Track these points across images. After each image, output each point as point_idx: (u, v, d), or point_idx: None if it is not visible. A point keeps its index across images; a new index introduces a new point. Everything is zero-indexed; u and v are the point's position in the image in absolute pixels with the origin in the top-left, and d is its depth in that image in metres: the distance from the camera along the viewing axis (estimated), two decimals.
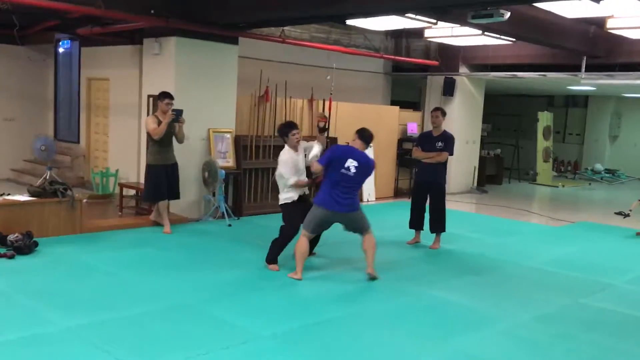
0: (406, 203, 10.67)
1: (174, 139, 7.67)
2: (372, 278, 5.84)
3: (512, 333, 4.65)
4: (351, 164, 5.72)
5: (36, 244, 6.32)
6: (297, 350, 4.13)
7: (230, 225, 8.17)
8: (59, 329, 4.26)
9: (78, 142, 11.14)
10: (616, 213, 11.03)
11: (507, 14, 6.59)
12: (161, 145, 7.52)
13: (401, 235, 7.86)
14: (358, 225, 5.90)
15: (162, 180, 7.55)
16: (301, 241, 5.82)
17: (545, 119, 16.13)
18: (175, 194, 7.77)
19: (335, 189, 5.69)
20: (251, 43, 9.40)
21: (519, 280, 6.23)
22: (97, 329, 4.28)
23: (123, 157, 9.87)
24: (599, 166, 17.59)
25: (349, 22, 8.18)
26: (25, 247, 6.17)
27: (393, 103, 13.19)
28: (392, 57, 11.95)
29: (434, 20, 8.62)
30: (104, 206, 9.12)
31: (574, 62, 10.90)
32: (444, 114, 7.53)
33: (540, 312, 5.18)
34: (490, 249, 7.63)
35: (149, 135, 7.51)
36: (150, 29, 8.43)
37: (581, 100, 18.88)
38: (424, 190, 7.56)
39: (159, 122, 7.41)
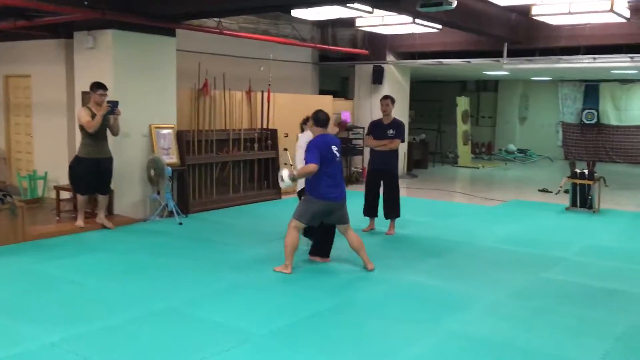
0: (349, 191, 10.83)
1: (108, 132, 7.40)
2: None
3: (495, 311, 4.85)
4: (335, 149, 5.72)
5: None
6: (298, 344, 4.10)
7: (181, 223, 7.94)
8: (42, 344, 3.99)
9: None
10: (540, 190, 11.71)
11: (455, 3, 6.81)
12: (95, 138, 7.22)
13: (354, 223, 7.91)
14: (345, 215, 5.90)
15: (91, 174, 7.26)
16: (293, 234, 5.73)
17: (463, 103, 16.78)
18: (104, 189, 7.49)
19: (332, 179, 5.67)
20: (187, 35, 9.12)
21: (479, 259, 6.48)
22: (84, 341, 4.05)
23: (51, 158, 9.31)
24: (512, 147, 18.55)
25: (294, 13, 8.11)
26: None
27: (320, 93, 13.26)
28: (324, 46, 11.99)
29: (370, 9, 8.76)
30: (35, 211, 8.56)
31: (496, 48, 11.41)
32: (393, 101, 7.66)
33: (512, 289, 5.42)
34: (442, 231, 7.88)
35: (82, 128, 7.18)
36: (82, 22, 7.97)
37: (492, 85, 19.78)
38: (377, 178, 7.67)
39: (93, 115, 7.10)
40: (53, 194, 9.01)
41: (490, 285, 5.51)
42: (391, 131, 7.52)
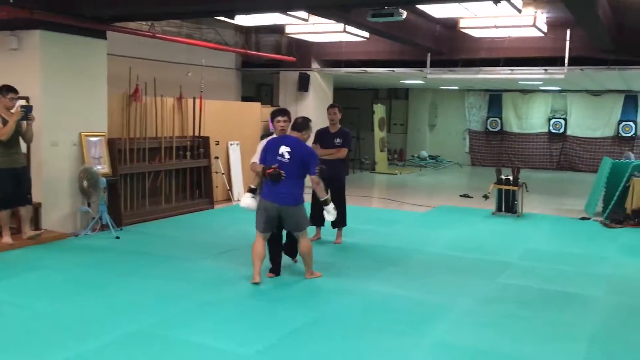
0: None
1: (21, 140, 6.90)
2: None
3: (468, 319, 4.94)
4: (284, 150, 5.61)
5: None
6: None
7: (118, 237, 7.48)
8: None
9: None
10: (461, 196, 12.18)
11: (405, 14, 6.91)
12: (7, 146, 6.68)
13: None
14: (292, 222, 5.75)
15: (9, 185, 6.71)
16: (257, 243, 5.65)
17: (379, 111, 17.14)
18: (26, 200, 6.96)
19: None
20: (117, 39, 8.65)
21: (434, 266, 6.60)
22: None
23: None
24: (424, 153, 19.18)
25: (237, 18, 7.92)
26: None
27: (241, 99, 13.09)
28: (255, 52, 11.87)
29: (306, 17, 8.75)
30: None
31: (419, 58, 11.76)
32: (340, 110, 7.67)
33: (476, 295, 5.55)
34: (386, 238, 7.97)
35: None
36: (4, 22, 7.32)
37: (402, 93, 20.37)
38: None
39: (4, 121, 6.57)
40: None
41: (455, 292, 5.61)
42: (338, 140, 7.50)
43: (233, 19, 8.14)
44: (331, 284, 5.77)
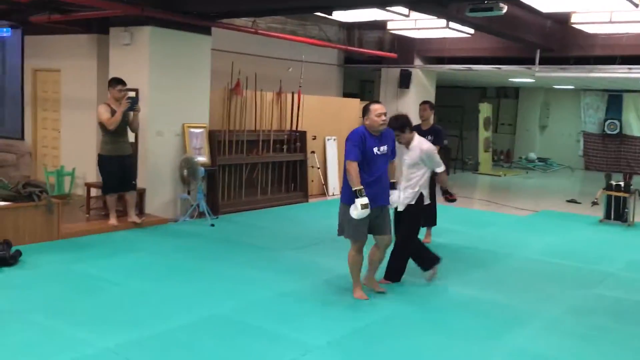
0: None
1: (128, 129, 7.31)
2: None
3: (554, 328, 4.69)
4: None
5: (20, 253, 5.73)
6: (358, 357, 3.96)
7: (212, 225, 7.80)
8: (98, 350, 3.85)
9: (22, 138, 10.27)
10: (568, 201, 11.54)
11: (505, 8, 6.66)
12: (115, 135, 7.10)
13: None
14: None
15: (114, 172, 7.15)
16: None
17: (485, 110, 16.62)
18: (130, 186, 7.37)
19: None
20: (220, 34, 8.99)
21: (525, 272, 6.33)
22: (140, 348, 3.91)
23: (79, 154, 9.19)
24: (532, 155, 18.36)
25: (335, 14, 7.98)
26: (11, 257, 5.57)
27: (343, 95, 13.13)
28: (356, 49, 11.84)
29: (407, 12, 8.61)
30: (62, 208, 8.42)
31: (526, 55, 11.26)
32: (432, 107, 7.52)
33: (567, 304, 5.26)
34: (478, 241, 7.73)
35: (101, 125, 7.06)
36: (119, 18, 7.85)
37: (512, 92, 19.61)
38: None
39: (112, 111, 6.97)
40: (79, 191, 8.92)
41: (544, 300, 5.35)
42: (430, 137, 7.34)
43: (331, 14, 8.18)
44: (411, 282, 5.68)
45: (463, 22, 8.30)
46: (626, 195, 9.18)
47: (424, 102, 7.61)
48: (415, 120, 7.70)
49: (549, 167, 17.89)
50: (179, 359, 3.82)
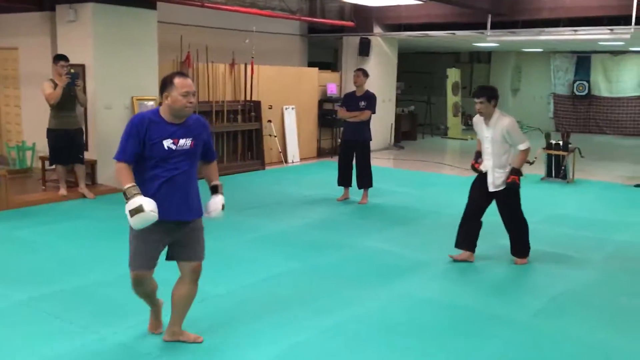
0: (330, 162, 11.08)
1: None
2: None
3: (445, 275, 5.12)
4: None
5: None
6: (251, 305, 4.39)
7: None
8: (11, 302, 4.28)
9: None
10: None
11: None
12: (60, 109, 7.44)
13: (330, 193, 8.21)
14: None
15: (61, 144, 7.50)
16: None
17: (453, 75, 16.87)
18: (78, 159, 7.72)
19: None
20: (169, 7, 9.27)
21: (441, 227, 6.73)
22: (52, 300, 4.34)
23: (39, 129, 9.48)
24: None
25: None
26: None
27: (310, 65, 13.37)
28: (310, 19, 12.08)
29: None
30: (23, 181, 8.85)
31: (480, 20, 11.51)
32: (365, 74, 7.84)
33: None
34: (413, 200, 8.12)
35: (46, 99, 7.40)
36: None
37: (485, 56, 19.81)
38: (350, 148, 7.89)
39: (56, 86, 7.31)
40: (41, 164, 9.30)
41: (446, 251, 5.75)
42: (363, 103, 7.71)
43: None
44: (328, 239, 6.09)
45: None
46: (564, 153, 9.54)
47: (358, 69, 7.94)
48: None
49: None
50: (83, 305, 4.25)
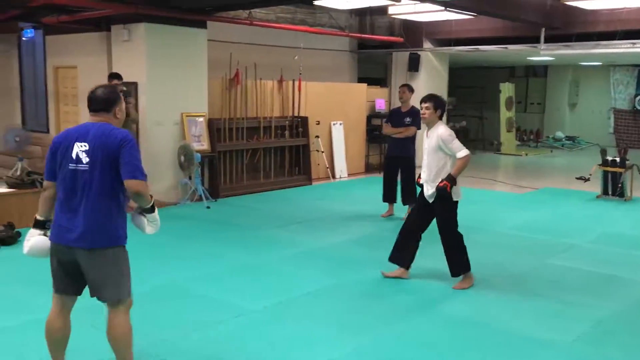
0: (377, 178, 11.00)
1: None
2: None
3: (485, 295, 4.99)
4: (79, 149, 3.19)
5: (19, 234, 6.41)
6: (286, 321, 4.39)
7: (208, 207, 8.35)
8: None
9: (47, 131, 11.09)
10: (577, 178, 11.49)
11: None
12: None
13: (375, 209, 8.16)
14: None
15: None
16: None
17: (507, 90, 16.55)
18: None
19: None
20: (219, 26, 9.49)
21: (488, 245, 6.57)
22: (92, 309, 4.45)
23: None
24: (559, 134, 18.16)
25: (317, 2, 8.31)
26: (9, 237, 6.26)
27: (360, 80, 13.39)
28: (359, 35, 12.15)
29: None
30: None
31: (533, 33, 11.27)
32: (410, 89, 7.79)
33: (509, 272, 5.53)
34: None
35: None
36: (118, 16, 8.45)
37: (541, 70, 19.37)
38: (394, 164, 7.84)
39: None
40: None
41: (490, 268, 5.61)
42: (408, 119, 7.65)
43: (311, 3, 8.54)
44: (370, 256, 6.04)
45: (449, 5, 8.50)
46: (621, 170, 9.18)
47: (403, 85, 7.90)
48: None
49: (576, 145, 17.66)
50: None
